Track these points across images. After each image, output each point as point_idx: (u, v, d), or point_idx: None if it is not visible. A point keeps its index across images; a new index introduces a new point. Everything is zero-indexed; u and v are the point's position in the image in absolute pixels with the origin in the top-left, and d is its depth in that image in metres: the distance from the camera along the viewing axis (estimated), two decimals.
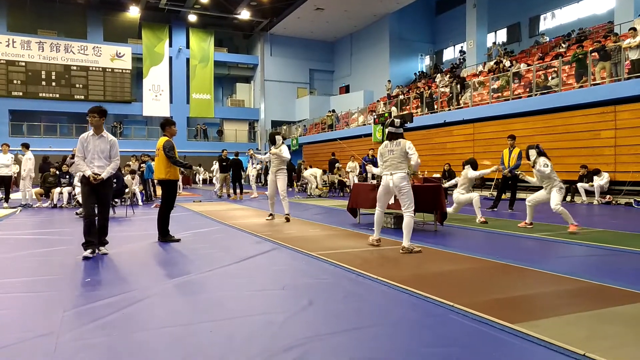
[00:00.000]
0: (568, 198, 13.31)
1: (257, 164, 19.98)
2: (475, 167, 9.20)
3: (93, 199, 5.47)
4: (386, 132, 6.05)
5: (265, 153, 12.05)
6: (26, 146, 12.63)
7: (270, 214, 9.49)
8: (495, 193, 15.57)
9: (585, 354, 2.52)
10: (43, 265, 5.20)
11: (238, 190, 16.41)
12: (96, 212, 5.58)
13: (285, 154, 9.09)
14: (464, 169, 9.10)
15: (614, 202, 12.46)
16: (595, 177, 12.81)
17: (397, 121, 5.96)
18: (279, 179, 9.18)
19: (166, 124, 6.82)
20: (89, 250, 5.38)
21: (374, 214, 8.03)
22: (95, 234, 5.49)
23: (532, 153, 7.60)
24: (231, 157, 16.70)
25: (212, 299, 3.80)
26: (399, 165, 5.75)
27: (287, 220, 8.95)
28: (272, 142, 9.31)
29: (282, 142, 9.32)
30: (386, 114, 16.74)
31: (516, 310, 3.38)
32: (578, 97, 14.01)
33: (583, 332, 2.89)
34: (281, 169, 9.19)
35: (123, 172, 12.41)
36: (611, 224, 8.30)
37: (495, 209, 11.08)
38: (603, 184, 12.65)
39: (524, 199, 10.84)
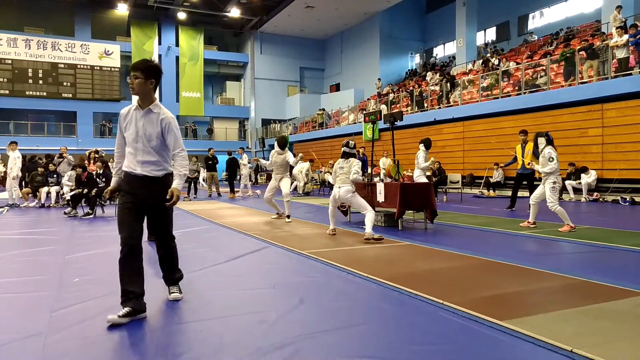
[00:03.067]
0: (564, 196, 13.44)
1: (250, 166, 19.96)
2: (428, 146, 9.73)
3: (134, 217, 3.32)
4: (342, 151, 7.00)
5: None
6: (14, 145, 12.47)
7: (277, 212, 9.33)
8: (484, 191, 15.71)
9: (572, 350, 2.55)
10: (31, 265, 5.15)
11: (228, 189, 16.38)
12: (144, 236, 3.48)
13: (291, 159, 9.11)
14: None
15: (601, 199, 12.60)
16: (582, 175, 12.95)
17: (352, 143, 7.01)
18: (283, 182, 9.11)
19: None
20: (126, 309, 3.11)
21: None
22: (137, 280, 3.24)
23: (541, 141, 7.37)
24: (223, 157, 16.67)
25: (202, 297, 3.78)
26: (346, 180, 6.80)
27: (287, 219, 8.89)
28: (281, 146, 9.10)
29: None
30: (377, 112, 16.75)
31: (505, 307, 3.41)
32: (566, 96, 14.14)
33: (571, 328, 2.93)
34: (286, 175, 9.20)
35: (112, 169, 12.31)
36: (598, 221, 8.39)
37: (514, 209, 10.31)
38: (590, 181, 12.79)
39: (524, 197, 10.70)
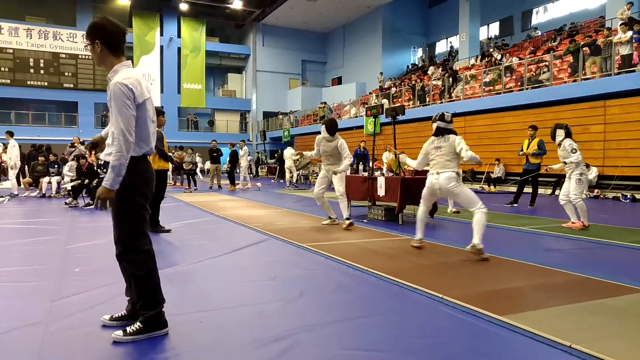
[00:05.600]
0: (557, 192, 13.44)
1: (250, 158, 19.93)
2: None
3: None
4: (434, 127, 5.27)
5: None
6: (10, 134, 12.45)
7: (329, 217, 7.50)
8: (485, 187, 15.70)
9: (571, 345, 2.56)
10: (32, 254, 5.16)
11: (226, 181, 16.40)
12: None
13: (345, 149, 7.14)
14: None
15: (602, 196, 12.60)
16: None
17: (448, 115, 5.25)
18: (336, 175, 7.24)
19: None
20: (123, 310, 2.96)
21: (365, 206, 7.88)
22: (130, 290, 2.88)
23: (560, 133, 7.00)
24: (225, 149, 16.66)
25: (202, 289, 3.79)
26: (447, 164, 5.07)
27: (349, 224, 6.97)
28: (330, 131, 7.12)
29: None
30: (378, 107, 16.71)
31: (504, 302, 3.41)
32: (568, 92, 14.09)
33: (570, 323, 2.93)
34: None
35: None
36: (599, 218, 8.38)
37: (516, 205, 10.09)
38: (592, 178, 12.78)
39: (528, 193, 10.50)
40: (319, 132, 7.50)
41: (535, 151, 9.72)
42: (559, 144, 7.06)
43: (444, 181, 5.03)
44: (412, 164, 5.75)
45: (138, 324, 2.70)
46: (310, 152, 7.51)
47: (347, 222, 6.95)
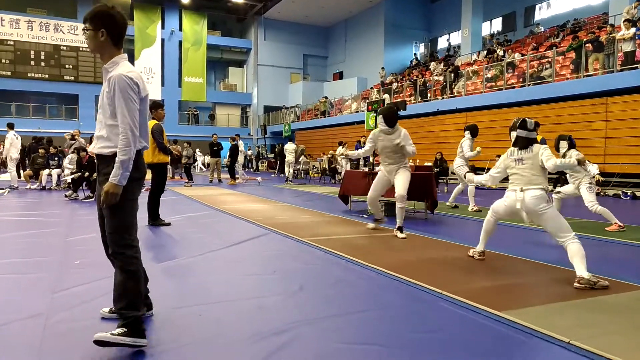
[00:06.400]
0: (557, 188, 13.42)
1: (251, 153, 19.89)
2: (475, 134, 8.66)
3: (98, 211, 2.84)
4: (512, 137, 4.33)
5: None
6: (10, 126, 12.42)
7: (376, 220, 6.52)
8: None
9: (570, 341, 2.56)
10: (32, 247, 5.16)
11: (226, 175, 16.42)
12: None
13: (409, 142, 6.02)
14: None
15: (602, 193, 12.58)
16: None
17: (531, 122, 4.22)
18: (399, 176, 6.03)
19: (152, 107, 6.39)
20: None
21: (365, 201, 7.83)
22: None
23: (563, 145, 6.92)
24: (225, 143, 16.65)
25: (202, 282, 3.80)
26: (533, 179, 4.06)
27: (400, 232, 5.88)
28: (390, 122, 6.04)
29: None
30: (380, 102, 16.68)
31: (504, 298, 3.42)
32: (570, 88, 14.06)
33: (569, 320, 2.94)
34: (402, 166, 6.10)
35: None
36: (599, 215, 8.37)
37: None
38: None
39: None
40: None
41: None
42: (563, 155, 6.93)
43: (531, 201, 4.02)
44: (481, 179, 4.92)
45: (120, 329, 2.46)
46: (357, 151, 6.69)
47: (400, 233, 5.86)
